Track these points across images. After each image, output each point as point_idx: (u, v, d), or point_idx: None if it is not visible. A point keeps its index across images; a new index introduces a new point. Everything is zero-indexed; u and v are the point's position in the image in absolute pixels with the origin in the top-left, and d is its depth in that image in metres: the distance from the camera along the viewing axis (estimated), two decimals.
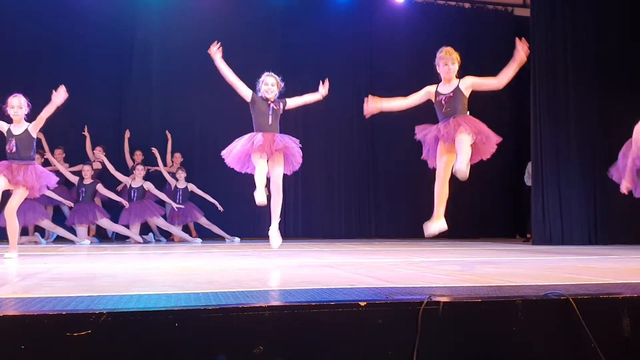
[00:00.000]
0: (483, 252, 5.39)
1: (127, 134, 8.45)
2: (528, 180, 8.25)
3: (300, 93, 9.48)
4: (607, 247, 6.55)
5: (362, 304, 1.78)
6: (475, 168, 9.99)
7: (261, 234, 9.12)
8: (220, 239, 8.12)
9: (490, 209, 9.94)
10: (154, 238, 8.04)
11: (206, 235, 8.28)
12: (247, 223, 8.97)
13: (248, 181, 9.19)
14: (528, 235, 8.27)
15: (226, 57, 9.10)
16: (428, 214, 9.66)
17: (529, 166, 8.12)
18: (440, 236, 9.22)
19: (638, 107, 7.55)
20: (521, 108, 9.30)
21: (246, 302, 1.78)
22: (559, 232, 7.25)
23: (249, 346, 1.69)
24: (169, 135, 8.60)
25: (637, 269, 3.52)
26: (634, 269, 3.42)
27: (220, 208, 8.00)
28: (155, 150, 8.20)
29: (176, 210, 7.91)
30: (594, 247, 6.64)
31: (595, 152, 7.42)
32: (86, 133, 8.22)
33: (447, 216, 9.85)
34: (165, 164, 8.41)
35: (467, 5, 10.53)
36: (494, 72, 10.67)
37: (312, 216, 9.49)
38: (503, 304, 1.86)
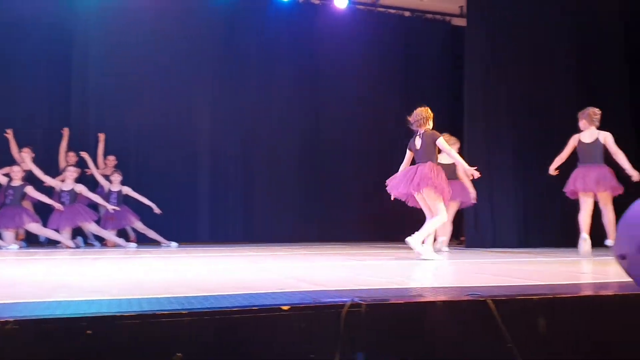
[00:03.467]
0: (412, 255, 5.48)
1: (66, 132, 8.18)
2: None
3: (242, 97, 9.51)
4: (537, 250, 6.78)
5: (285, 308, 1.77)
6: None
7: (199, 239, 9.04)
8: (157, 243, 7.95)
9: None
10: (85, 242, 7.80)
11: (142, 240, 8.10)
12: (185, 227, 8.83)
13: (186, 185, 9.13)
14: (461, 238, 8.47)
15: (165, 62, 9.04)
16: (372, 218, 9.79)
17: None
18: (381, 239, 9.36)
19: (568, 113, 7.92)
20: (455, 113, 9.54)
21: (165, 309, 1.74)
22: (492, 235, 7.47)
23: (166, 354, 1.65)
24: (101, 137, 8.35)
25: (557, 270, 3.66)
26: (554, 271, 3.56)
27: (157, 211, 7.82)
28: (85, 154, 7.94)
29: (111, 212, 7.69)
30: (523, 250, 6.87)
31: (526, 156, 7.69)
32: (8, 135, 7.88)
33: (386, 221, 10.01)
34: (97, 167, 8.17)
35: (407, 13, 10.73)
36: (430, 79, 10.96)
37: (254, 219, 9.42)
38: (424, 306, 1.89)
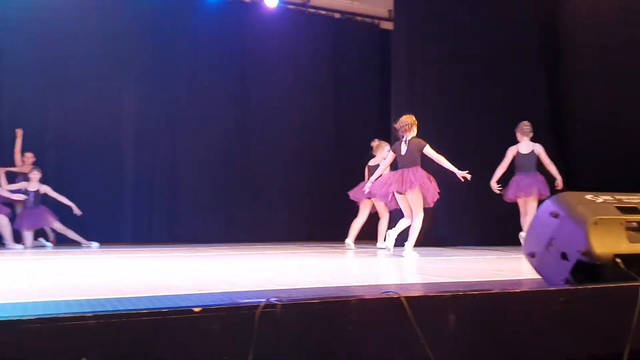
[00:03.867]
0: (348, 255, 5.53)
1: (19, 133, 7.89)
2: None
3: (168, 95, 9.28)
4: (483, 248, 6.94)
5: (197, 309, 1.73)
6: (349, 174, 10.27)
7: (122, 239, 8.76)
8: (77, 244, 7.65)
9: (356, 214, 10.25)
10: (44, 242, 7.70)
11: (63, 241, 7.78)
12: (107, 228, 8.55)
13: (108, 184, 8.82)
14: None
15: (89, 59, 8.71)
16: (299, 217, 9.77)
17: None
18: (311, 239, 9.37)
19: (490, 115, 8.22)
20: (383, 114, 9.72)
21: (72, 312, 1.67)
22: (444, 234, 7.64)
23: (71, 358, 1.58)
24: (18, 133, 7.96)
25: (479, 268, 3.78)
26: (475, 269, 3.67)
27: (77, 212, 7.53)
28: None
29: (78, 214, 7.47)
30: (472, 248, 7.00)
31: (451, 158, 7.91)
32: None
33: (316, 220, 10.02)
34: (14, 164, 7.81)
35: (337, 15, 10.82)
36: (359, 80, 11.10)
37: (179, 220, 9.23)
38: (339, 304, 1.89)
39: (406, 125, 5.81)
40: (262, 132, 9.86)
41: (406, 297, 1.94)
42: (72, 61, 8.57)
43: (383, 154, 7.03)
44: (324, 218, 9.95)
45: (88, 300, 2.15)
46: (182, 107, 9.38)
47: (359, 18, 10.94)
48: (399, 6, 8.20)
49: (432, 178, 5.69)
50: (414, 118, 5.90)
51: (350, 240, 7.33)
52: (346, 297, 1.91)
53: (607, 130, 7.67)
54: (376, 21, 11.02)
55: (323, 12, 10.69)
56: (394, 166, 6.23)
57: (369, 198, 7.04)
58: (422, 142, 5.76)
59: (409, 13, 8.13)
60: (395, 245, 5.60)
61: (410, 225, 5.63)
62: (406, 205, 5.69)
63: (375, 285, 2.38)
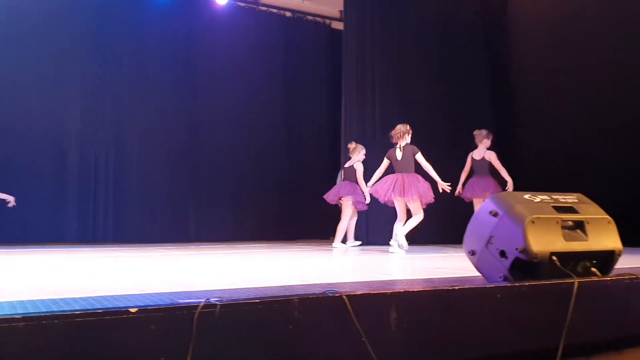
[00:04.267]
0: (285, 254, 5.52)
1: None
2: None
3: (115, 93, 9.06)
4: (439, 247, 7.08)
5: (133, 310, 1.69)
6: (298, 173, 10.29)
7: (66, 239, 8.50)
8: (14, 242, 7.37)
9: (308, 212, 10.26)
10: None
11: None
12: (50, 227, 8.30)
13: (52, 182, 8.54)
14: (331, 237, 8.65)
15: (34, 56, 8.40)
16: (248, 215, 9.73)
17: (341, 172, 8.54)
18: (259, 239, 9.32)
19: (439, 114, 8.39)
20: (335, 112, 9.77)
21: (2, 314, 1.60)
22: (365, 232, 7.71)
23: None
24: None
25: (421, 266, 3.84)
26: (417, 267, 3.73)
27: (12, 203, 7.12)
28: None
29: (12, 204, 7.09)
30: (430, 246, 7.13)
31: None
32: None
33: (266, 221, 9.99)
34: None
35: (288, 14, 10.80)
36: (310, 79, 11.13)
37: (125, 218, 9.03)
38: (280, 304, 1.88)
39: (400, 132, 6.41)
40: (211, 131, 9.76)
41: (348, 296, 1.94)
42: (13, 56, 8.28)
43: (359, 157, 7.37)
44: (272, 218, 9.92)
45: (21, 302, 2.07)
46: (129, 104, 9.19)
47: (310, 17, 10.96)
48: (349, 7, 8.27)
49: (428, 184, 6.26)
50: (408, 127, 6.46)
51: (337, 242, 7.32)
52: (287, 296, 1.90)
53: (547, 135, 7.94)
54: (327, 21, 11.06)
55: (274, 10, 10.66)
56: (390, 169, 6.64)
57: (340, 198, 7.34)
58: (416, 148, 6.36)
59: (359, 13, 8.21)
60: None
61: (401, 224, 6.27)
62: (402, 208, 6.31)
63: (319, 284, 2.38)
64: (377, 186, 6.43)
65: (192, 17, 9.74)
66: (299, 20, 10.87)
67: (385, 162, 6.55)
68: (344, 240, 7.30)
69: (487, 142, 7.04)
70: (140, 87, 9.25)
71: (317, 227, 10.30)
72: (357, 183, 7.26)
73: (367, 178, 6.94)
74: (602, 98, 7.41)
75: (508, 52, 8.81)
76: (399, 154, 6.37)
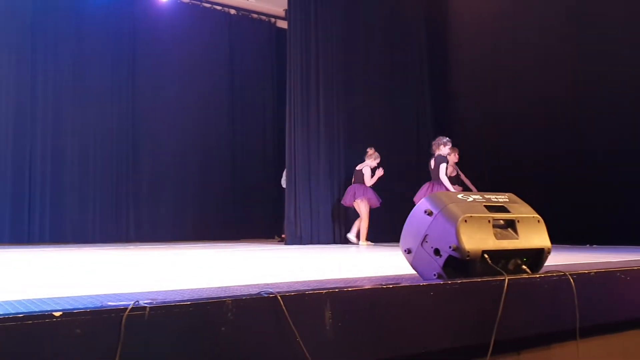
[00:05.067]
0: (226, 253, 5.46)
1: None
2: (284, 184, 8.65)
3: (51, 88, 8.74)
4: (347, 245, 7.15)
5: (57, 314, 1.63)
6: (242, 172, 10.24)
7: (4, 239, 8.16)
8: None
9: (252, 211, 10.20)
10: None
11: None
12: None
13: None
14: (283, 236, 8.67)
15: None
16: (190, 215, 9.63)
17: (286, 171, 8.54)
18: (202, 239, 9.20)
19: (379, 115, 8.49)
20: (280, 111, 9.76)
21: None
22: (309, 232, 7.73)
23: None
24: None
25: (356, 264, 3.87)
26: (366, 265, 3.75)
27: None
28: None
29: None
30: (337, 246, 7.20)
31: (340, 158, 8.13)
32: None
33: (209, 221, 9.89)
34: None
35: (232, 11, 10.71)
36: (255, 77, 11.06)
37: (62, 218, 8.73)
38: (212, 305, 1.85)
39: (436, 143, 7.15)
40: (153, 129, 9.57)
41: (282, 296, 1.93)
42: None
43: (370, 162, 7.95)
44: (215, 217, 9.82)
45: None
46: (67, 102, 8.90)
47: (254, 15, 10.90)
48: (292, 5, 8.26)
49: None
50: (446, 139, 7.11)
51: (353, 237, 7.97)
52: (220, 297, 1.87)
53: (486, 134, 8.15)
54: (272, 19, 11.02)
55: (218, 7, 10.54)
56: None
57: (354, 201, 7.89)
58: (443, 159, 7.03)
59: (303, 12, 8.23)
60: None
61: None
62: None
63: (257, 284, 2.36)
64: (419, 193, 7.01)
65: (134, 14, 9.51)
66: (244, 18, 10.79)
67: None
68: (357, 237, 7.88)
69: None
70: (79, 85, 8.96)
71: (261, 226, 10.27)
72: (364, 184, 7.88)
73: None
74: (540, 94, 7.54)
75: (447, 47, 8.99)
76: (431, 163, 7.11)
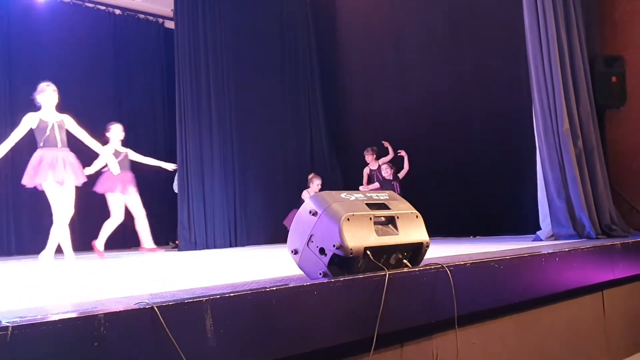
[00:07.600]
0: (111, 263, 5.25)
1: None
2: (176, 189, 8.42)
3: None
4: (245, 248, 7.10)
5: None
6: (142, 175, 9.84)
7: None
8: None
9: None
10: None
11: None
12: None
13: None
14: (177, 242, 8.44)
15: None
16: (73, 223, 9.05)
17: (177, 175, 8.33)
18: (88, 249, 8.77)
19: (269, 113, 8.51)
20: (170, 113, 9.52)
21: None
22: (203, 237, 7.59)
23: None
24: None
25: (253, 267, 3.84)
26: (250, 268, 3.72)
27: None
28: None
29: None
30: (233, 249, 7.12)
31: (234, 159, 8.07)
32: None
33: (95, 229, 9.46)
34: None
35: (117, 11, 10.30)
36: (143, 79, 10.68)
37: None
38: (83, 320, 1.75)
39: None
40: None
41: (159, 307, 1.87)
42: None
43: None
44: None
45: None
46: None
47: (141, 16, 10.55)
48: (179, 6, 8.07)
49: None
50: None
51: None
52: (91, 312, 1.78)
53: (375, 131, 8.38)
54: (160, 20, 10.73)
55: (102, 7, 10.10)
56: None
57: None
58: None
59: (190, 13, 8.08)
60: None
61: None
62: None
63: (135, 295, 2.27)
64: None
65: (10, 14, 8.88)
66: (130, 18, 10.40)
67: None
68: None
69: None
70: None
71: (153, 233, 9.95)
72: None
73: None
74: (430, 92, 7.71)
75: (334, 44, 9.16)
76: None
